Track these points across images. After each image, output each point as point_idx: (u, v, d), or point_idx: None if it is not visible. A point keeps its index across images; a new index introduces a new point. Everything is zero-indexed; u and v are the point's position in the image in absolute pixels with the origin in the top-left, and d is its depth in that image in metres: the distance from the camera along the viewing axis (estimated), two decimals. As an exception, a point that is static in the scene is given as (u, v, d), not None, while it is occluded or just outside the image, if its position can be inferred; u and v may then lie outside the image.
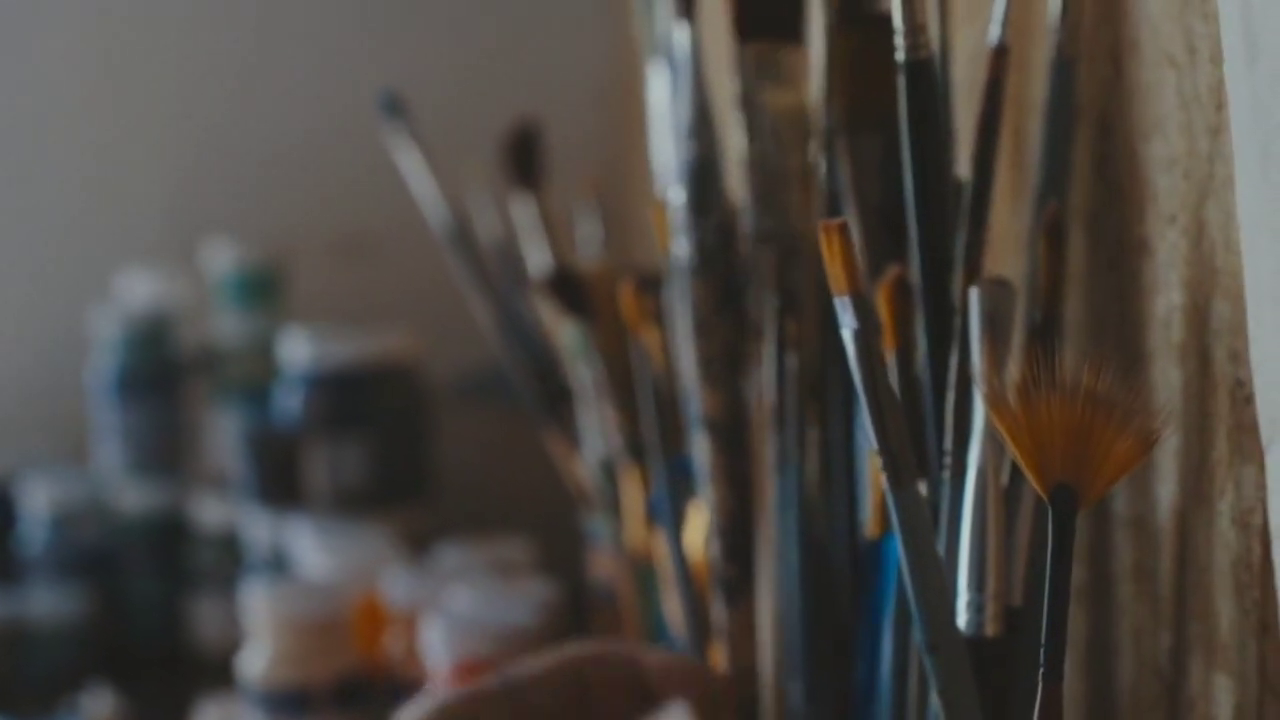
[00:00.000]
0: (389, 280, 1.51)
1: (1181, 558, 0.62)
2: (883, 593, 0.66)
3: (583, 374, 0.94)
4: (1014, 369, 0.58)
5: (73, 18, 1.50)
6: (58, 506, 1.39)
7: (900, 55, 0.62)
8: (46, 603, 1.37)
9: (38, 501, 1.40)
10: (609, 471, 0.94)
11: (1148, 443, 0.52)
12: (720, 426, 0.74)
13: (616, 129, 1.47)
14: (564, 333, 0.95)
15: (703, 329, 0.74)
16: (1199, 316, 0.60)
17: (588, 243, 1.05)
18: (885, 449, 0.57)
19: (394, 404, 1.33)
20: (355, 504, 1.31)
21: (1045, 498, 0.52)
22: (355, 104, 1.32)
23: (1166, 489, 0.63)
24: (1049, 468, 0.52)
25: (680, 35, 0.75)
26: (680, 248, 0.75)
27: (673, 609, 0.82)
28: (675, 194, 0.76)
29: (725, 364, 0.74)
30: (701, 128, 0.74)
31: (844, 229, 0.57)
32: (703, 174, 0.74)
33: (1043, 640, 0.52)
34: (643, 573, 0.91)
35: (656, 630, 0.90)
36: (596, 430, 0.95)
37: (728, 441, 0.74)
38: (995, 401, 0.53)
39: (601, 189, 1.06)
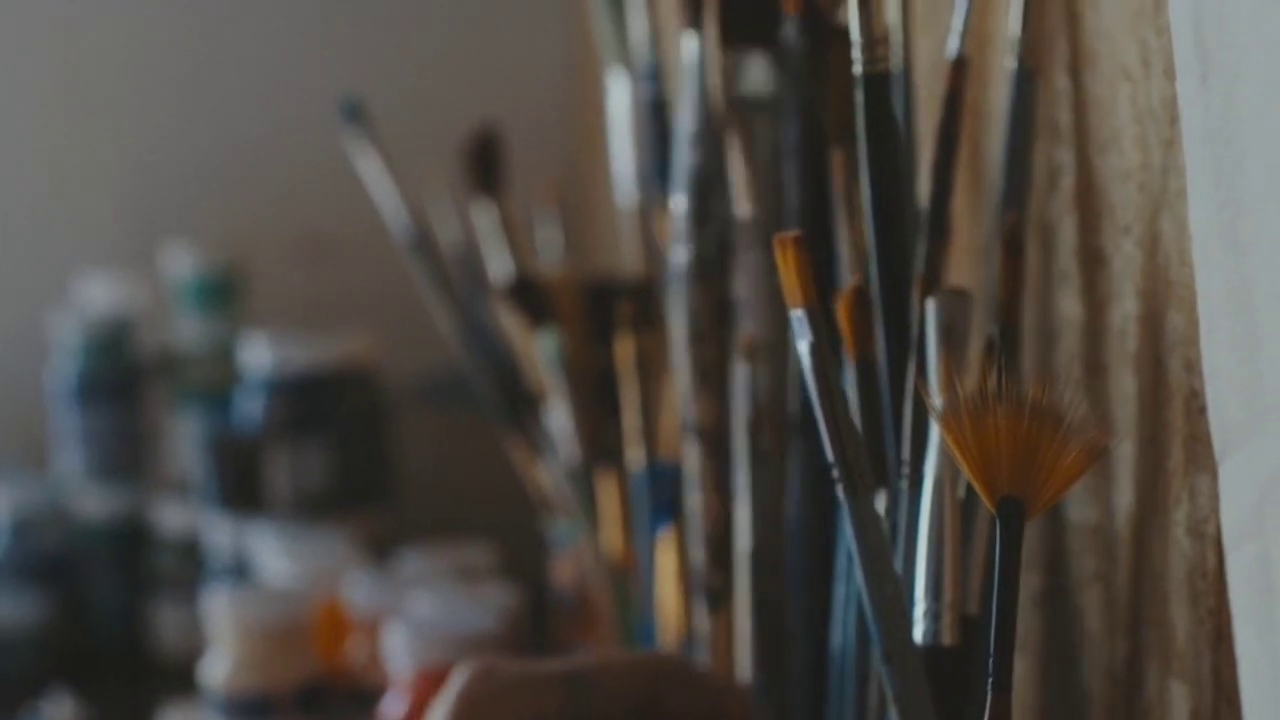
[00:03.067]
0: (349, 284, 1.50)
1: (1137, 566, 0.63)
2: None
3: (555, 381, 0.95)
4: (967, 382, 0.58)
5: (28, 22, 1.49)
6: (17, 512, 1.39)
7: (858, 68, 0.62)
8: (6, 608, 1.37)
9: (-3, 507, 1.39)
10: (583, 478, 0.94)
11: (1094, 455, 0.52)
12: (710, 433, 0.74)
13: (576, 135, 1.47)
14: (536, 340, 0.96)
15: (698, 337, 0.75)
16: (1154, 327, 0.61)
17: (548, 248, 1.05)
18: (840, 461, 0.57)
19: (355, 408, 1.33)
20: (316, 508, 1.31)
21: (992, 510, 0.52)
22: (314, 107, 1.32)
23: (1123, 498, 0.64)
24: (996, 480, 0.52)
25: (688, 44, 0.76)
26: (679, 256, 0.76)
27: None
28: (676, 202, 0.76)
29: (720, 372, 0.74)
30: (705, 136, 0.75)
31: (798, 242, 0.57)
32: (704, 183, 0.75)
33: (990, 650, 0.52)
34: (619, 579, 0.92)
35: (632, 638, 0.91)
36: (568, 437, 0.95)
37: (717, 448, 0.74)
38: (944, 415, 0.53)
39: (562, 195, 1.07)
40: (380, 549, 1.24)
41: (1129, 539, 0.63)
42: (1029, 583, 0.70)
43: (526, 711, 0.67)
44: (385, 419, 1.36)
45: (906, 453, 0.61)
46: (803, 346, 0.57)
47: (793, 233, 0.57)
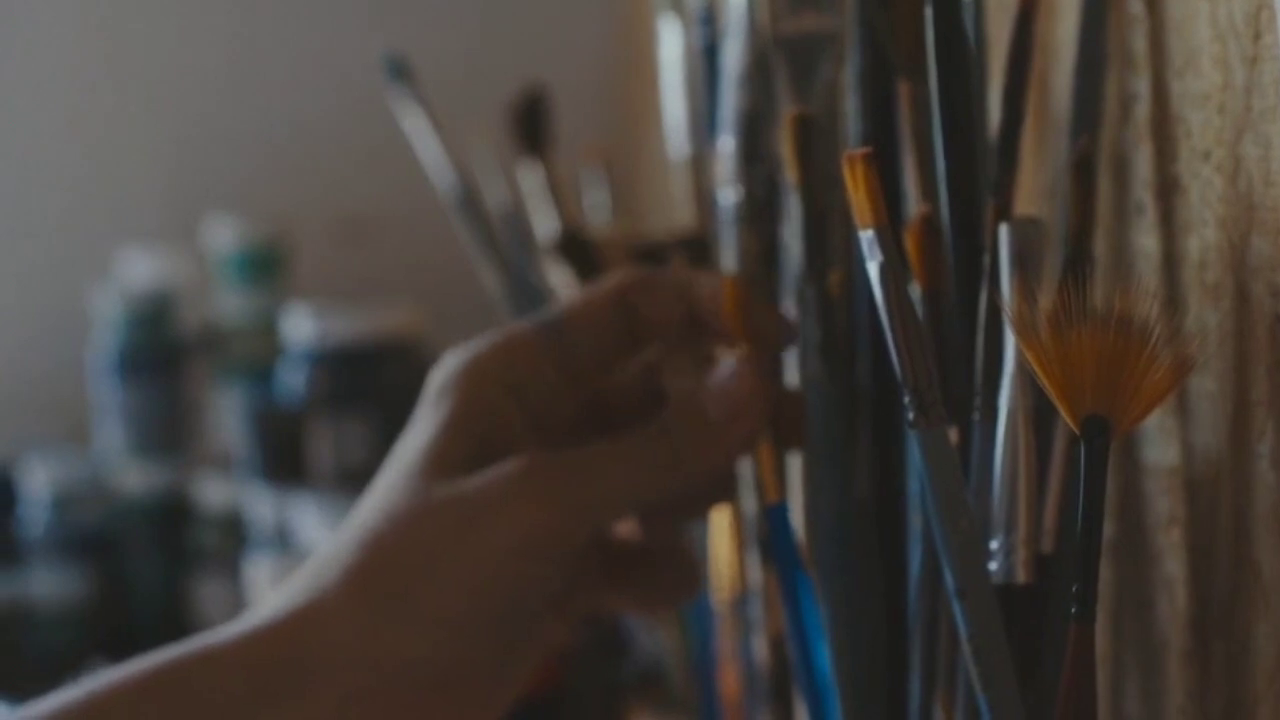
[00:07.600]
0: (391, 258, 1.49)
1: (1217, 505, 0.60)
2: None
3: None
4: (1044, 302, 0.56)
5: (72, -5, 1.49)
6: (59, 487, 1.38)
7: (927, -15, 0.60)
8: (48, 584, 1.35)
9: (39, 482, 1.38)
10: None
11: (1183, 370, 0.50)
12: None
13: (622, 95, 1.45)
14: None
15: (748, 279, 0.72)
16: (1235, 254, 0.59)
17: (596, 209, 1.03)
18: (913, 389, 0.55)
19: (397, 381, 1.32)
20: (359, 481, 1.29)
21: (1076, 429, 0.50)
22: (357, 79, 1.30)
23: (1201, 435, 0.61)
24: (1080, 398, 0.49)
25: None
26: (727, 198, 0.74)
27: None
28: (724, 143, 0.74)
29: None
30: (755, 76, 0.73)
31: (869, 159, 0.55)
32: (754, 123, 0.73)
33: (1077, 577, 0.50)
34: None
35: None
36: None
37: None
38: (1024, 331, 0.51)
39: (608, 154, 1.05)
40: (424, 522, 1.22)
41: (1208, 478, 0.61)
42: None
43: (513, 371, 0.67)
44: (429, 391, 1.34)
45: (978, 385, 0.59)
46: (873, 269, 0.55)
47: (863, 149, 0.54)
